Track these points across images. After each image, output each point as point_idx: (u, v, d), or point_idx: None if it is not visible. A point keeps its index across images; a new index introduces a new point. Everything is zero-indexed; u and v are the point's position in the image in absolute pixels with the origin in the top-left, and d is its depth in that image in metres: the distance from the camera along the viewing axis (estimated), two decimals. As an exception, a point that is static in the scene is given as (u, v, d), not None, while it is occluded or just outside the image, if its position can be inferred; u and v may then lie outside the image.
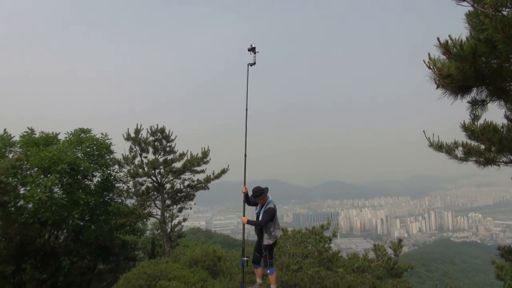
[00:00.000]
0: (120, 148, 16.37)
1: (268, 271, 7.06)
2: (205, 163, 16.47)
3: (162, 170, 16.26)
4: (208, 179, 16.81)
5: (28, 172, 14.68)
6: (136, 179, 16.45)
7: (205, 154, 16.41)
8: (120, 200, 17.26)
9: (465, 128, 6.52)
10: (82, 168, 15.24)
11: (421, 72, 5.24)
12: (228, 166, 16.85)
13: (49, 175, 14.05)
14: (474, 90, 5.64)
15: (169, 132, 16.23)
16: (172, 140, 16.39)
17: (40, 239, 15.88)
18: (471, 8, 4.55)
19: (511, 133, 6.17)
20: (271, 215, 6.82)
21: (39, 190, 13.36)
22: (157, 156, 16.15)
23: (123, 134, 15.96)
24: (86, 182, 16.62)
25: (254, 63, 7.94)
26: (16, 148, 15.44)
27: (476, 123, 6.46)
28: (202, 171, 16.66)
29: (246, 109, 7.82)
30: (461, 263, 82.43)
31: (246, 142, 7.61)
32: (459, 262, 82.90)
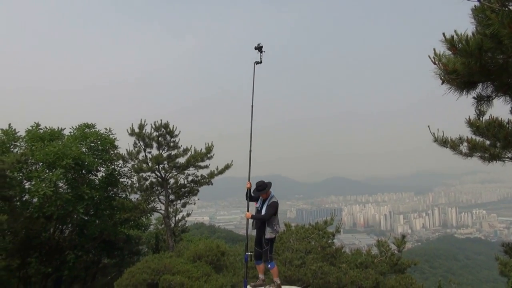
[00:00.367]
0: (124, 143, 16.43)
1: (269, 266, 7.09)
2: (209, 158, 16.49)
3: (166, 165, 16.29)
4: (212, 175, 16.83)
5: (33, 167, 14.77)
6: (140, 174, 16.49)
7: (209, 149, 16.42)
8: (124, 195, 17.34)
9: (470, 123, 6.49)
10: (86, 163, 15.30)
11: (427, 68, 5.22)
12: (232, 162, 16.86)
13: (54, 170, 14.12)
14: (480, 85, 5.60)
15: (173, 127, 16.26)
16: (176, 135, 16.42)
17: (45, 233, 15.99)
18: (477, 3, 4.52)
19: (517, 129, 6.13)
20: (275, 209, 6.88)
21: (44, 184, 13.43)
22: (161, 151, 16.19)
23: (127, 129, 16.01)
24: (91, 177, 16.70)
25: (261, 62, 7.99)
26: (21, 143, 15.52)
27: (481, 118, 6.42)
28: (206, 167, 16.69)
29: (252, 106, 7.82)
30: (465, 260, 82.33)
31: (251, 137, 7.61)
32: (462, 258, 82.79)
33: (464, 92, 5.54)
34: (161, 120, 16.13)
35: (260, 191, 6.99)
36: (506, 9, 4.17)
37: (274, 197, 7.02)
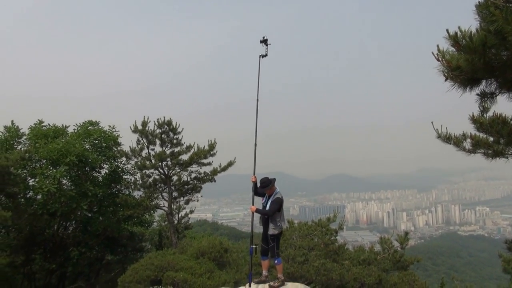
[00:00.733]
0: (128, 140, 16.48)
1: (275, 261, 7.14)
2: (212, 155, 16.50)
3: (169, 163, 16.32)
4: (214, 172, 16.85)
5: (37, 164, 14.84)
6: (144, 171, 16.54)
7: (212, 146, 16.43)
8: (127, 192, 17.40)
9: (473, 120, 6.46)
10: (90, 160, 15.37)
11: (430, 65, 5.20)
12: (234, 159, 16.88)
13: (57, 167, 14.19)
14: (483, 82, 5.57)
15: (176, 124, 16.27)
16: (179, 133, 16.43)
17: (49, 230, 16.09)
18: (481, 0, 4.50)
19: (521, 126, 6.11)
20: (278, 205, 6.90)
21: (48, 181, 13.51)
22: (164, 148, 16.21)
23: (130, 127, 16.04)
24: (94, 174, 16.78)
25: (266, 55, 7.97)
26: (24, 140, 15.59)
27: (485, 115, 6.40)
28: (209, 164, 16.70)
29: (257, 100, 7.84)
30: (468, 257, 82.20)
31: (257, 132, 7.64)
32: (465, 255, 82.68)
33: (468, 88, 5.51)
34: (164, 117, 16.16)
35: (264, 187, 7.06)
36: (510, 5, 4.15)
37: (279, 193, 7.06)
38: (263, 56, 8.00)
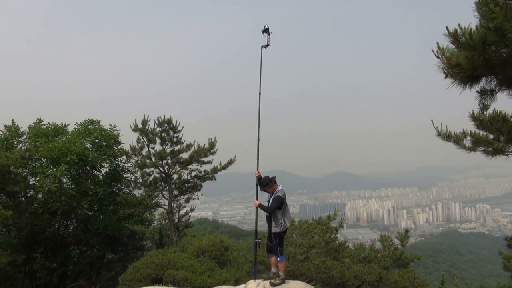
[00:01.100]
0: (128, 139, 16.50)
1: (278, 259, 7.15)
2: (212, 154, 16.51)
3: (169, 161, 16.33)
4: (215, 170, 16.86)
5: (37, 163, 14.85)
6: (144, 170, 16.55)
7: (212, 145, 16.44)
8: (128, 191, 17.43)
9: (473, 117, 6.46)
10: (90, 159, 15.37)
11: (431, 62, 5.20)
12: (235, 157, 16.89)
13: (58, 166, 14.20)
14: (483, 79, 5.56)
15: (176, 122, 16.28)
16: (179, 131, 16.44)
17: (50, 228, 16.10)
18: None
19: (520, 123, 6.10)
20: (279, 203, 6.88)
21: (48, 180, 13.52)
22: (164, 147, 16.22)
23: (130, 125, 16.05)
24: (95, 172, 16.79)
25: (268, 45, 7.77)
26: (24, 139, 15.58)
27: (485, 112, 6.39)
28: (209, 162, 16.71)
29: (260, 93, 7.73)
30: (468, 254, 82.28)
31: (259, 126, 7.60)
32: (466, 253, 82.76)
33: (468, 86, 5.50)
34: (164, 116, 16.18)
35: (264, 186, 7.07)
36: (510, 2, 4.14)
37: (280, 191, 7.04)
38: (265, 46, 7.79)
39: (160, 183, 16.79)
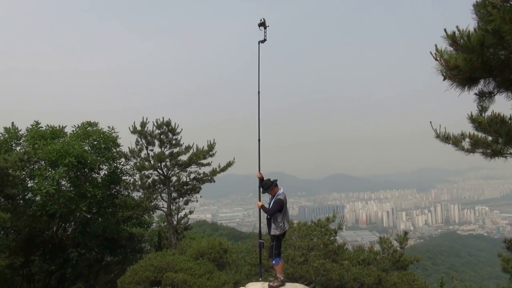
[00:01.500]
0: (127, 141, 16.47)
1: (273, 262, 7.16)
2: (211, 156, 16.50)
3: (168, 163, 16.31)
4: (214, 172, 16.84)
5: (35, 165, 14.82)
6: (143, 172, 16.53)
7: (211, 147, 16.43)
8: (126, 193, 17.38)
9: (472, 119, 6.47)
10: (89, 161, 15.34)
11: (430, 64, 5.21)
12: (234, 159, 16.89)
13: (56, 168, 14.17)
14: (482, 81, 5.58)
15: (175, 125, 16.27)
16: (178, 133, 16.43)
17: (48, 231, 16.07)
18: (479, -1, 4.51)
19: (519, 125, 6.11)
20: (279, 206, 6.90)
21: (46, 183, 13.48)
22: (163, 149, 16.20)
23: (129, 127, 16.03)
24: (93, 175, 16.75)
25: (265, 40, 7.62)
26: (23, 141, 15.56)
27: (483, 114, 6.40)
28: (208, 164, 16.69)
29: (258, 92, 7.66)
30: (467, 256, 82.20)
31: (260, 127, 7.57)
32: (465, 255, 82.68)
33: (466, 88, 5.52)
34: (163, 118, 16.16)
35: (265, 190, 7.13)
36: (508, 4, 4.15)
37: (281, 194, 7.06)
38: (262, 41, 7.65)
39: (159, 186, 16.77)
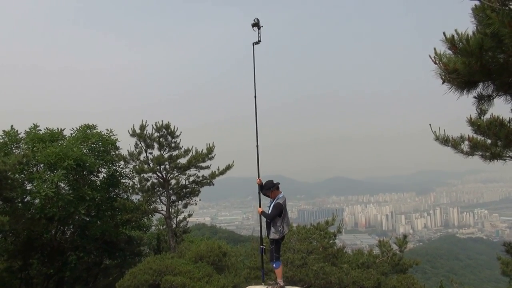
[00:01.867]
0: (126, 144, 16.48)
1: (273, 265, 7.15)
2: (210, 159, 16.49)
3: (167, 166, 16.30)
4: (213, 175, 16.83)
5: (34, 168, 14.79)
6: (142, 175, 16.50)
7: (210, 150, 16.43)
8: (125, 196, 17.35)
9: (471, 122, 6.49)
10: (88, 164, 15.31)
11: (426, 67, 5.22)
12: (233, 162, 16.88)
13: (55, 171, 14.14)
14: (480, 85, 5.59)
15: (174, 128, 16.28)
16: (177, 136, 16.42)
17: (47, 234, 16.01)
18: (477, 3, 4.52)
19: (518, 128, 6.12)
20: (279, 210, 6.91)
21: (45, 186, 13.45)
22: (162, 152, 16.19)
23: (128, 130, 16.02)
24: (92, 178, 16.72)
25: (259, 41, 7.49)
26: (22, 144, 15.54)
27: (482, 117, 6.42)
28: (207, 167, 16.69)
29: (255, 96, 7.55)
30: (467, 259, 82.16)
31: (257, 132, 7.50)
32: (464, 258, 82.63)
33: (465, 91, 5.54)
34: (162, 121, 16.16)
35: (266, 190, 7.17)
36: (506, 8, 4.17)
37: (281, 198, 7.06)
38: (256, 43, 7.52)
39: (158, 189, 16.74)
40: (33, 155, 14.11)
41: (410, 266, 12.70)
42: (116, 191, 17.45)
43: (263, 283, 7.59)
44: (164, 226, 20.11)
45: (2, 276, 15.20)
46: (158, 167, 16.11)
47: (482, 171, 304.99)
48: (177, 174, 16.72)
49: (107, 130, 17.30)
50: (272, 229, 6.95)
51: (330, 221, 13.46)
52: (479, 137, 6.67)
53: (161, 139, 16.14)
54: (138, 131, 15.95)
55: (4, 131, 15.29)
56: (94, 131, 17.01)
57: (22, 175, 14.36)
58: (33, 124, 16.16)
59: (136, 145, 16.18)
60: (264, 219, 7.28)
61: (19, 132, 15.60)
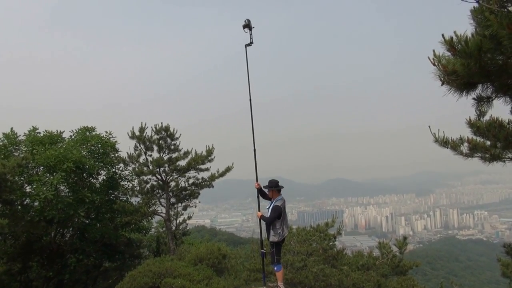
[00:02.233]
0: (125, 147, 16.47)
1: (275, 268, 7.14)
2: (210, 161, 16.50)
3: (166, 168, 16.31)
4: (212, 177, 16.84)
5: (34, 171, 14.78)
6: (141, 177, 16.50)
7: (210, 152, 16.44)
8: (125, 198, 17.34)
9: (470, 124, 6.50)
10: (87, 166, 15.31)
11: (424, 72, 5.23)
12: (232, 164, 16.88)
13: (54, 174, 14.13)
14: (480, 86, 5.60)
15: (173, 130, 16.28)
16: (177, 138, 16.43)
17: (46, 237, 15.99)
18: (476, 5, 4.53)
19: (517, 130, 6.13)
20: (277, 213, 6.89)
21: (45, 188, 13.44)
22: (161, 154, 16.20)
23: (128, 133, 16.03)
24: (92, 180, 16.71)
25: (251, 43, 7.38)
26: (21, 147, 15.53)
27: (481, 119, 6.43)
28: (207, 169, 16.69)
29: (250, 100, 7.48)
30: (467, 261, 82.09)
31: (254, 136, 7.47)
32: (464, 259, 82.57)
33: (464, 93, 5.54)
34: (161, 123, 16.17)
35: (269, 187, 7.14)
36: (505, 10, 4.17)
37: (279, 201, 7.03)
38: (248, 44, 7.42)
39: (157, 191, 16.74)
40: (32, 157, 14.10)
41: (410, 268, 12.67)
42: (115, 193, 17.44)
43: (264, 286, 7.60)
44: (164, 229, 20.09)
45: (1, 279, 15.17)
46: (158, 169, 16.12)
47: (482, 172, 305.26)
48: (176, 176, 16.72)
49: (106, 132, 17.32)
50: (272, 232, 6.94)
51: (330, 223, 13.44)
52: (479, 139, 6.68)
53: (160, 141, 16.15)
54: (137, 133, 15.96)
55: (3, 133, 15.29)
56: (94, 133, 17.01)
57: (21, 178, 14.34)
58: (32, 126, 16.17)
59: (135, 147, 16.19)
60: (263, 223, 7.26)
61: (18, 135, 15.60)
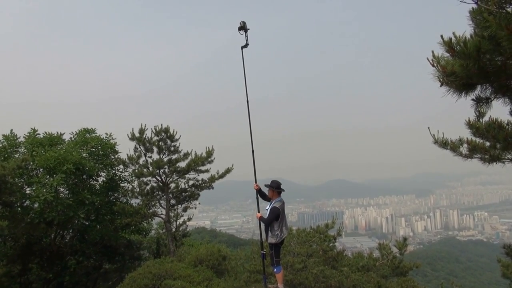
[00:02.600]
0: (125, 148, 16.46)
1: (275, 270, 7.13)
2: (210, 162, 16.48)
3: (166, 170, 16.28)
4: (212, 179, 16.82)
5: (33, 172, 14.78)
6: (141, 179, 16.49)
7: (209, 153, 16.42)
8: (125, 200, 17.33)
9: (470, 125, 6.50)
10: (87, 168, 15.31)
11: (423, 69, 5.23)
12: (232, 165, 16.87)
13: (54, 175, 14.13)
14: (478, 87, 5.60)
15: (173, 131, 16.27)
16: (177, 140, 16.41)
17: (46, 239, 15.99)
18: (475, 6, 4.54)
19: (517, 131, 6.13)
20: (275, 215, 6.87)
21: (44, 190, 13.43)
22: (161, 155, 16.18)
23: (127, 134, 16.02)
24: (91, 182, 16.71)
25: (247, 45, 7.35)
26: (21, 149, 15.54)
27: (481, 120, 6.43)
28: (207, 171, 16.66)
29: (247, 101, 7.48)
30: (467, 262, 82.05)
31: (252, 138, 7.44)
32: (464, 260, 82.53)
33: (463, 94, 5.54)
34: (161, 125, 16.15)
35: (271, 187, 7.13)
36: (504, 11, 4.18)
37: (278, 202, 7.00)
38: (244, 46, 7.40)
39: (157, 192, 16.72)
40: (32, 159, 14.11)
41: (411, 269, 12.67)
42: (115, 195, 17.43)
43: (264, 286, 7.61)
44: (164, 230, 20.08)
45: (1, 281, 15.15)
46: (158, 171, 16.10)
47: (482, 173, 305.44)
48: (176, 177, 16.71)
49: (106, 134, 17.33)
50: (269, 234, 6.92)
51: (330, 224, 13.44)
52: (478, 140, 6.68)
53: (160, 143, 16.13)
54: (137, 135, 15.95)
55: (3, 135, 15.30)
56: (93, 135, 17.01)
57: (21, 180, 14.34)
58: (32, 128, 16.17)
59: (135, 149, 16.17)
60: (263, 224, 7.26)
61: (18, 137, 15.60)
